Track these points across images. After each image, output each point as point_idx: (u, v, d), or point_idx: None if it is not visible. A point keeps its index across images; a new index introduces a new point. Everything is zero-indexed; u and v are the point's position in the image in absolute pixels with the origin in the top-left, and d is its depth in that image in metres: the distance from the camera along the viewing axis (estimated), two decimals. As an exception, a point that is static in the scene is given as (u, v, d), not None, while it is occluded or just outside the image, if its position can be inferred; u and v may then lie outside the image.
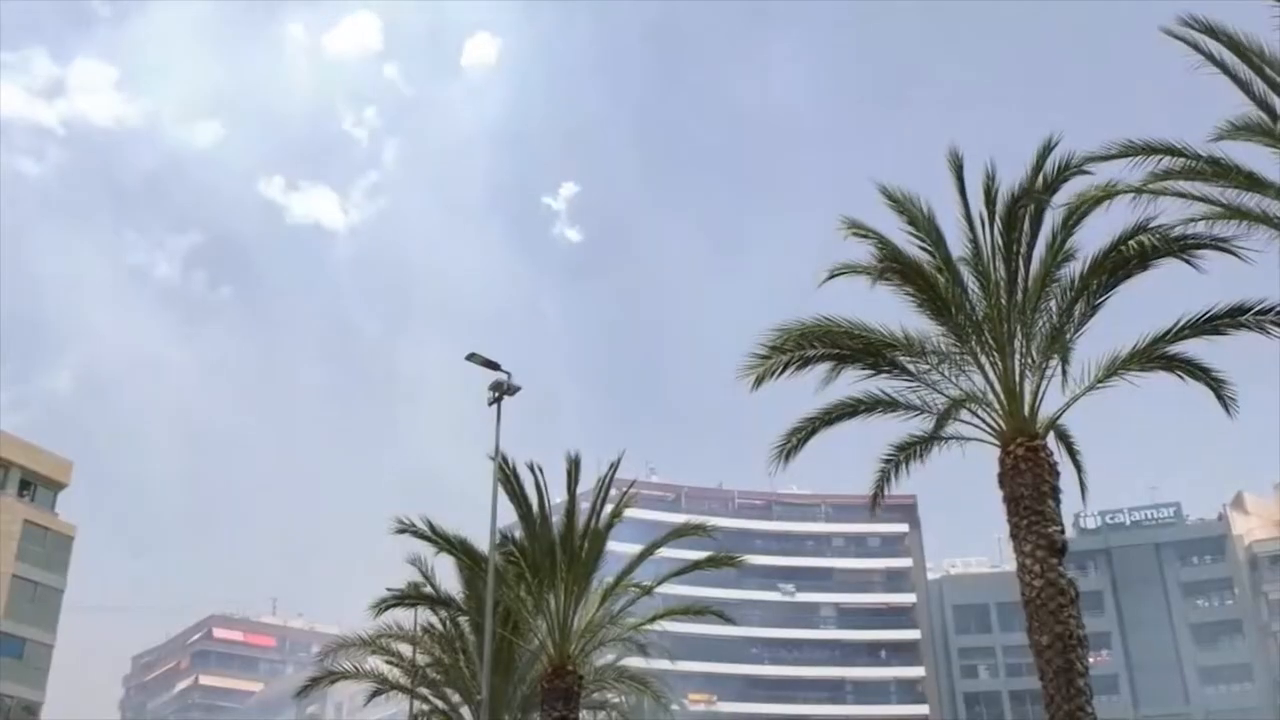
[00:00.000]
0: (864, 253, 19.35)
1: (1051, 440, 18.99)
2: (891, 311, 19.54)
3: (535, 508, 24.61)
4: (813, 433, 20.14)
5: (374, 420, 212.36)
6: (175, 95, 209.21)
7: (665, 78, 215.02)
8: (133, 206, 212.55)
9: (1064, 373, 18.65)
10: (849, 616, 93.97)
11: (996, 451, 18.50)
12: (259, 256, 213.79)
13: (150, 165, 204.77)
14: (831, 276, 18.99)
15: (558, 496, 24.68)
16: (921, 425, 19.86)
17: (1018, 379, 18.50)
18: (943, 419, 18.91)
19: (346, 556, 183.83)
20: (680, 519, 38.24)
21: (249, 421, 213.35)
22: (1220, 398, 19.28)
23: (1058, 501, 17.99)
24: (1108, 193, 17.42)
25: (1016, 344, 18.60)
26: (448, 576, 28.74)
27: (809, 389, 19.66)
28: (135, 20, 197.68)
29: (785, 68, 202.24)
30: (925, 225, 19.17)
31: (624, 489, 27.49)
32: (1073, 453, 20.67)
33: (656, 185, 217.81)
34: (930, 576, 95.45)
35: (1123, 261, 18.15)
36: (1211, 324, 18.33)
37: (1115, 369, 18.74)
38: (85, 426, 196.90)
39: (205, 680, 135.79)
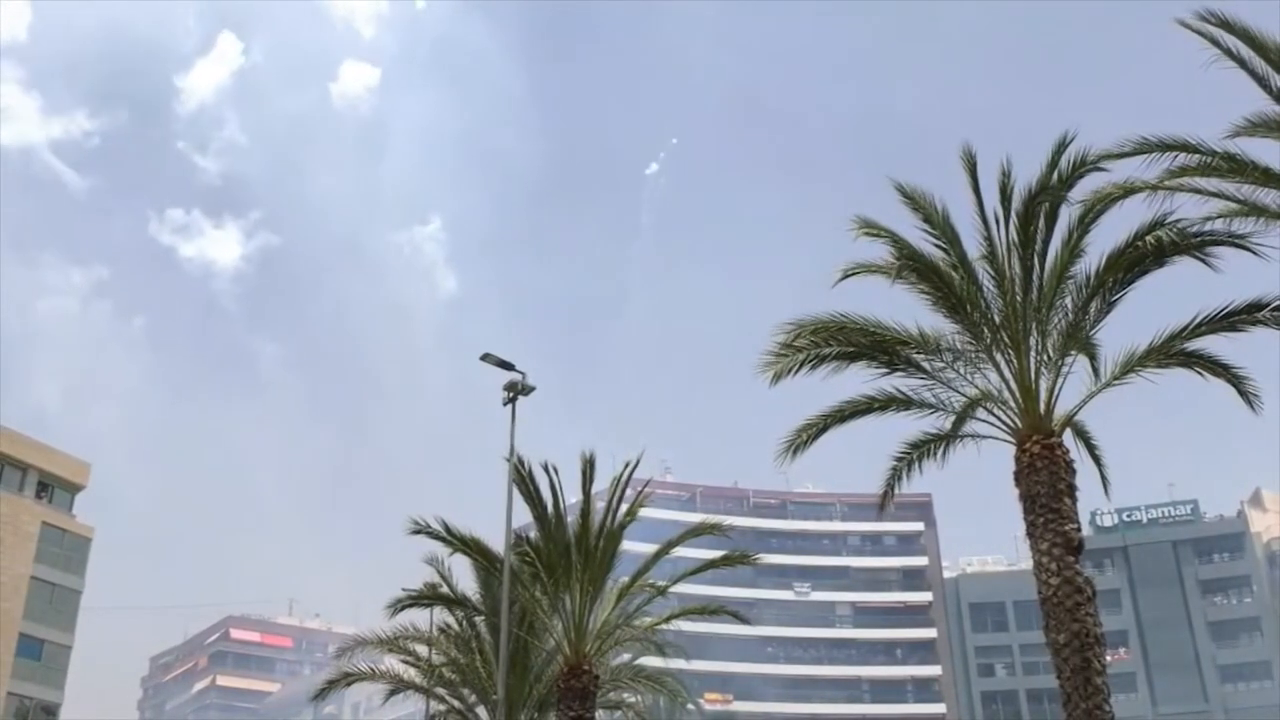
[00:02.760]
0: (871, 250, 19.32)
1: (1069, 438, 18.92)
2: (897, 307, 19.53)
3: (550, 508, 24.61)
4: (824, 429, 20.06)
5: (369, 429, 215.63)
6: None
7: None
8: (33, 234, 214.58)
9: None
10: (865, 615, 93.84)
11: (1012, 449, 18.43)
12: (159, 290, 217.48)
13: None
14: (846, 276, 18.94)
15: (573, 497, 24.68)
16: (936, 423, 19.82)
17: (1033, 377, 18.42)
18: (959, 418, 18.87)
19: (363, 558, 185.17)
20: (695, 518, 38.21)
21: (232, 427, 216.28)
22: (1242, 394, 19.14)
23: (1074, 499, 17.90)
24: (1124, 190, 17.35)
25: (1032, 341, 18.53)
26: (463, 576, 28.83)
27: (825, 387, 19.65)
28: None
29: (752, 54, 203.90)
30: (940, 223, 19.10)
31: (639, 488, 27.46)
32: (1092, 449, 20.59)
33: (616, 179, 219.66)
34: (946, 575, 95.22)
35: (1139, 258, 18.08)
36: (1229, 320, 18.21)
37: (1132, 366, 18.64)
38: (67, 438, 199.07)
39: (223, 681, 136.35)
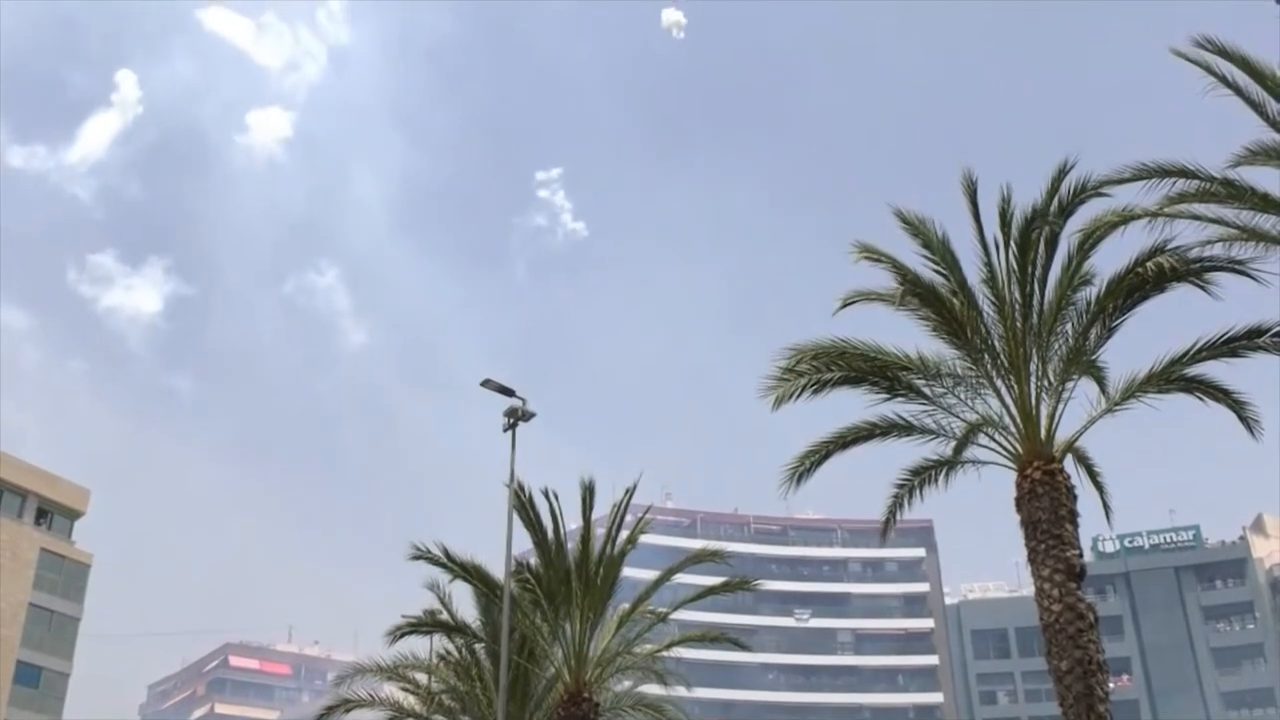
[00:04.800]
0: (871, 274, 19.35)
1: (1070, 463, 18.89)
2: (897, 331, 19.53)
3: (550, 534, 24.54)
4: (826, 456, 20.06)
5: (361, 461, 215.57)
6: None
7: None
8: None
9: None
10: (866, 642, 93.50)
11: (1013, 475, 18.41)
12: (86, 336, 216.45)
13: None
14: (846, 304, 18.95)
15: (573, 523, 24.61)
16: (937, 449, 19.80)
17: (1034, 402, 18.42)
18: (960, 443, 18.84)
19: (362, 584, 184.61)
20: (696, 544, 38.10)
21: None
22: (1243, 419, 19.15)
23: (1076, 525, 17.87)
24: (1124, 217, 17.44)
25: (1033, 367, 18.53)
26: (463, 603, 28.73)
27: (825, 413, 19.64)
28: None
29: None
30: (940, 249, 19.12)
31: (639, 514, 27.38)
32: (1093, 475, 20.55)
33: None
34: (948, 601, 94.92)
35: (1139, 284, 18.10)
36: (1229, 345, 18.24)
37: (1133, 391, 18.66)
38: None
39: (221, 708, 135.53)
